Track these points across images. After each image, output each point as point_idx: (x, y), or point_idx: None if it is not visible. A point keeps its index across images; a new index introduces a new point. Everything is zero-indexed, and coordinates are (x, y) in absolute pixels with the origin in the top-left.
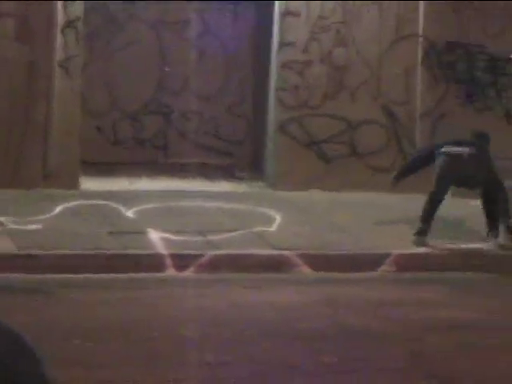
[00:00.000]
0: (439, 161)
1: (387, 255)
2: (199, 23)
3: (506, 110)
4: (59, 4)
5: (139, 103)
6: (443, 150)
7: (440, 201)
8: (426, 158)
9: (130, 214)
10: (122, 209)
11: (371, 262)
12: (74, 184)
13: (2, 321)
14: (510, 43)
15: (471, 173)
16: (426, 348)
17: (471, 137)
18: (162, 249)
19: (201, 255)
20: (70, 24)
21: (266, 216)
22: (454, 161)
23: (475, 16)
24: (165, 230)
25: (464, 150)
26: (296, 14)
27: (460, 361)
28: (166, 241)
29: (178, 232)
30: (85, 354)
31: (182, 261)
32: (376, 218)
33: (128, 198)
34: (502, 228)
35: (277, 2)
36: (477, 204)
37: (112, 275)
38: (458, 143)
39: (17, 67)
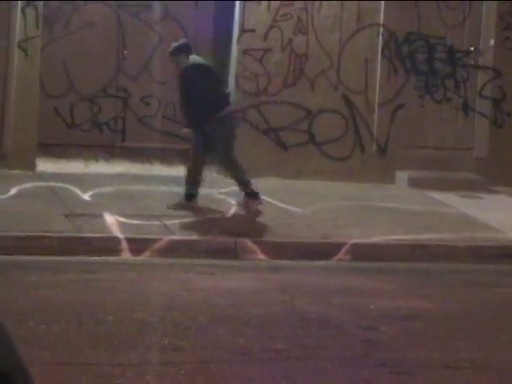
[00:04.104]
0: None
1: (343, 244)
2: (160, 7)
3: (463, 102)
4: None
5: (97, 86)
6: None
7: None
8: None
9: (86, 196)
10: (79, 191)
11: (326, 250)
12: (30, 165)
13: None
14: (468, 35)
15: None
16: (379, 337)
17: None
18: (117, 232)
19: (156, 239)
20: (30, 4)
21: (222, 202)
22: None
23: (435, 7)
24: (121, 214)
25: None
26: (257, 1)
27: (411, 350)
28: (121, 224)
29: (133, 216)
30: (39, 336)
31: (137, 245)
32: (331, 206)
33: (84, 181)
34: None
35: None
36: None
37: (67, 258)
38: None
39: None
